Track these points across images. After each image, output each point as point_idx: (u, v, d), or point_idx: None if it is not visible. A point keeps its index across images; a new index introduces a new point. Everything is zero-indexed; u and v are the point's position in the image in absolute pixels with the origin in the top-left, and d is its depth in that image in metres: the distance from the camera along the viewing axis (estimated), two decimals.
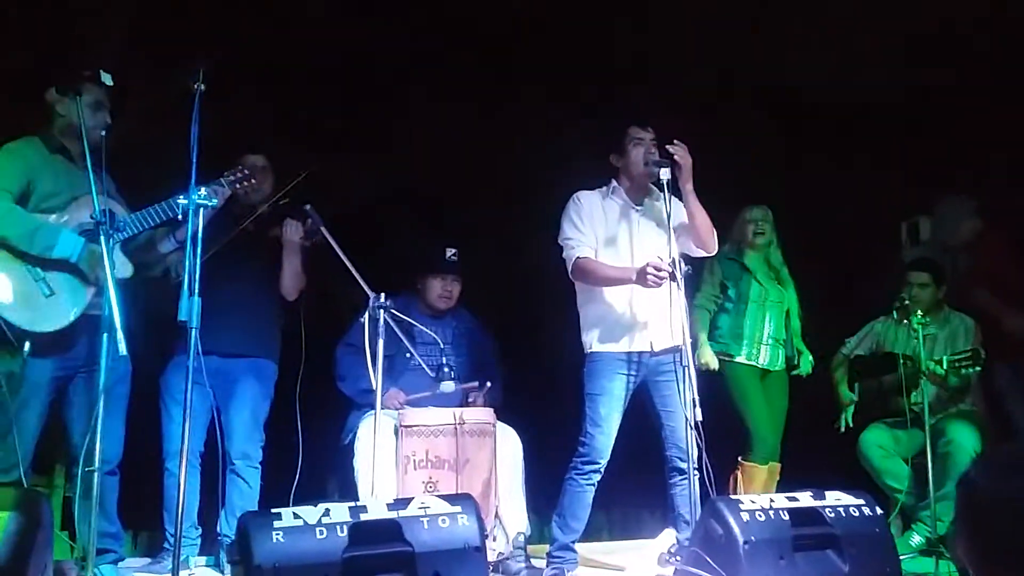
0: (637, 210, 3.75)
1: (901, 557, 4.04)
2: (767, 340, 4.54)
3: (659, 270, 3.39)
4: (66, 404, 3.32)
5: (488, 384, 4.20)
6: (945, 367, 4.32)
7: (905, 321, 4.45)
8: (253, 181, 3.56)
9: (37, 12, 4.09)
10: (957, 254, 4.96)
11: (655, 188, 3.68)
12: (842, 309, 4.99)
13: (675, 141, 3.56)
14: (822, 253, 4.97)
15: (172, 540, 3.62)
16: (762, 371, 4.53)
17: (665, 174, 3.50)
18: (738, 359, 4.47)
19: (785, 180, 4.91)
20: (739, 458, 4.39)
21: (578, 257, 3.64)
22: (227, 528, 3.74)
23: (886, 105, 4.90)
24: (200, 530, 3.87)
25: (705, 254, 3.77)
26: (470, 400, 4.23)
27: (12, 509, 2.09)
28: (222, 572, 3.72)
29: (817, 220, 4.96)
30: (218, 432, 3.37)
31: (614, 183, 3.80)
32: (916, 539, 4.32)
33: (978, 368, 4.30)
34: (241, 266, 3.81)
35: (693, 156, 3.56)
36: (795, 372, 4.69)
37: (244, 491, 3.76)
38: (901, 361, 4.56)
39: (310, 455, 4.00)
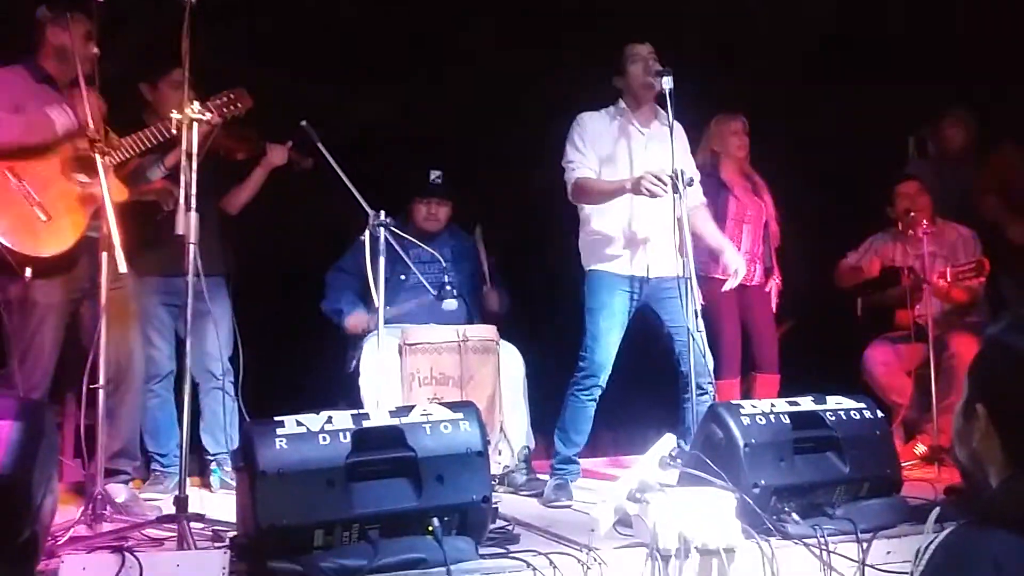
0: (644, 132, 3.72)
1: (904, 464, 4.12)
2: (743, 256, 4.32)
3: (657, 179, 3.36)
4: (80, 328, 3.33)
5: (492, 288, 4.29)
6: (949, 279, 4.31)
7: (910, 232, 4.42)
8: (239, 105, 3.52)
9: None
10: (961, 165, 4.92)
11: (662, 110, 3.66)
12: (843, 224, 4.96)
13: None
14: (823, 167, 4.90)
15: (161, 462, 3.75)
16: (740, 286, 4.25)
17: (667, 83, 3.47)
18: (712, 273, 4.26)
19: (786, 92, 4.81)
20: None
21: (577, 178, 3.64)
22: (214, 446, 3.83)
23: (892, 14, 4.81)
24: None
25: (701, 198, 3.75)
26: (486, 295, 4.29)
27: (14, 419, 2.10)
28: (210, 488, 3.81)
29: (818, 133, 4.89)
30: (188, 351, 3.25)
31: (621, 103, 3.76)
32: (920, 448, 4.36)
33: (982, 279, 4.30)
34: (211, 185, 3.78)
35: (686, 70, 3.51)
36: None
37: (229, 406, 3.78)
38: (906, 273, 4.56)
39: (316, 386, 4.05)
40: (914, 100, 4.99)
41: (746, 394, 4.43)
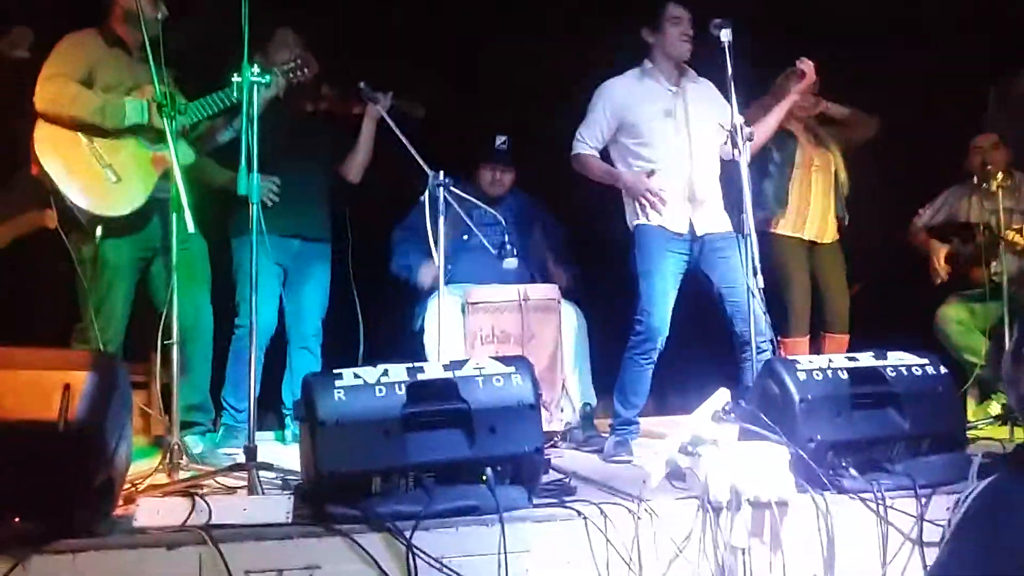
0: (672, 91, 3.73)
1: (978, 423, 4.04)
2: (815, 210, 4.35)
3: (655, 196, 3.53)
4: (151, 287, 3.47)
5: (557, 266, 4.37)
6: None
7: (984, 185, 4.28)
8: (307, 70, 3.60)
9: None
10: None
11: (689, 68, 3.74)
12: (919, 178, 4.81)
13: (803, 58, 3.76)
14: (899, 119, 4.75)
15: (234, 415, 3.86)
16: (809, 243, 4.36)
17: (726, 35, 3.45)
18: (780, 230, 4.30)
19: (857, 44, 4.66)
20: (778, 336, 4.21)
21: (578, 152, 3.76)
22: (292, 401, 3.91)
23: None
24: None
25: (727, 158, 3.68)
26: (551, 274, 4.35)
27: (88, 370, 2.22)
28: (286, 444, 3.93)
29: (894, 84, 4.73)
30: (284, 310, 3.38)
31: (648, 63, 3.76)
32: (994, 407, 4.25)
33: None
34: (310, 150, 3.94)
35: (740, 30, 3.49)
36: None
37: (313, 364, 3.93)
38: (980, 229, 4.42)
39: (379, 345, 4.14)
40: (996, 50, 4.80)
41: (816, 354, 4.37)
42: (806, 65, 3.77)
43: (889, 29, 4.87)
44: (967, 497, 1.35)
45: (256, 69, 2.94)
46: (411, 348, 4.09)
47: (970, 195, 4.56)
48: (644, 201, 3.59)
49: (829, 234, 4.43)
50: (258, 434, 3.57)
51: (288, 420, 4.04)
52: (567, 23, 4.75)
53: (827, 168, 4.42)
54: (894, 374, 2.87)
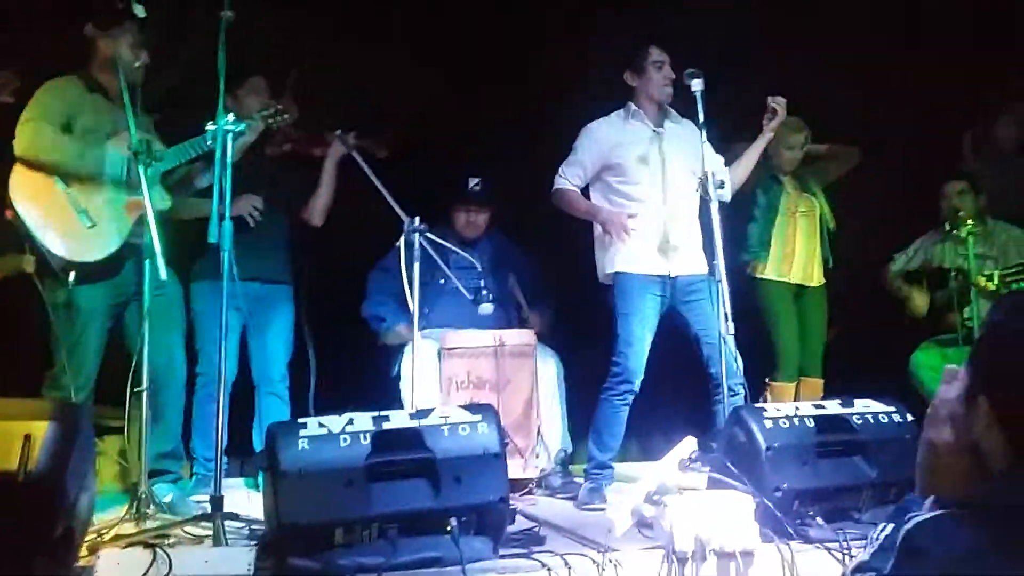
0: (658, 131, 3.81)
1: None
2: (800, 254, 4.42)
3: (623, 229, 3.62)
4: (125, 332, 3.47)
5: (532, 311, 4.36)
6: (996, 281, 4.20)
7: (955, 232, 4.33)
8: (286, 116, 3.64)
9: None
10: (1017, 163, 4.79)
11: (671, 109, 3.82)
12: (892, 225, 4.85)
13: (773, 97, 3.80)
14: (872, 166, 4.81)
15: (204, 463, 3.79)
16: (796, 287, 4.42)
17: (697, 86, 3.53)
18: (766, 275, 4.37)
19: (828, 89, 4.73)
20: (766, 379, 4.33)
21: (559, 187, 3.85)
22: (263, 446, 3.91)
23: (948, 10, 4.69)
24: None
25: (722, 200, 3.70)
26: (525, 319, 4.34)
27: (49, 419, 2.22)
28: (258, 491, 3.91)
29: (866, 131, 4.79)
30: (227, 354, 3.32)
31: (632, 105, 3.83)
32: None
33: None
34: (273, 192, 3.93)
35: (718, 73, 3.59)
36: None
37: (281, 409, 3.92)
38: (952, 275, 4.46)
39: (361, 386, 4.14)
40: (971, 95, 4.86)
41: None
42: (777, 102, 3.83)
43: (872, 73, 4.94)
44: (882, 531, 1.32)
45: (231, 117, 2.98)
46: (389, 392, 4.08)
47: (943, 241, 4.60)
48: (613, 232, 3.63)
49: (816, 278, 4.49)
50: (230, 481, 3.60)
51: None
52: (548, 65, 4.75)
53: (812, 213, 4.50)
54: (860, 422, 2.90)
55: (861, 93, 4.78)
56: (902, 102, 4.81)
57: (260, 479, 3.92)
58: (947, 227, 4.46)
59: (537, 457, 3.98)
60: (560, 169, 3.86)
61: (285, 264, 4.07)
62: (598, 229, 3.83)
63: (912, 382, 4.49)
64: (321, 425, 2.49)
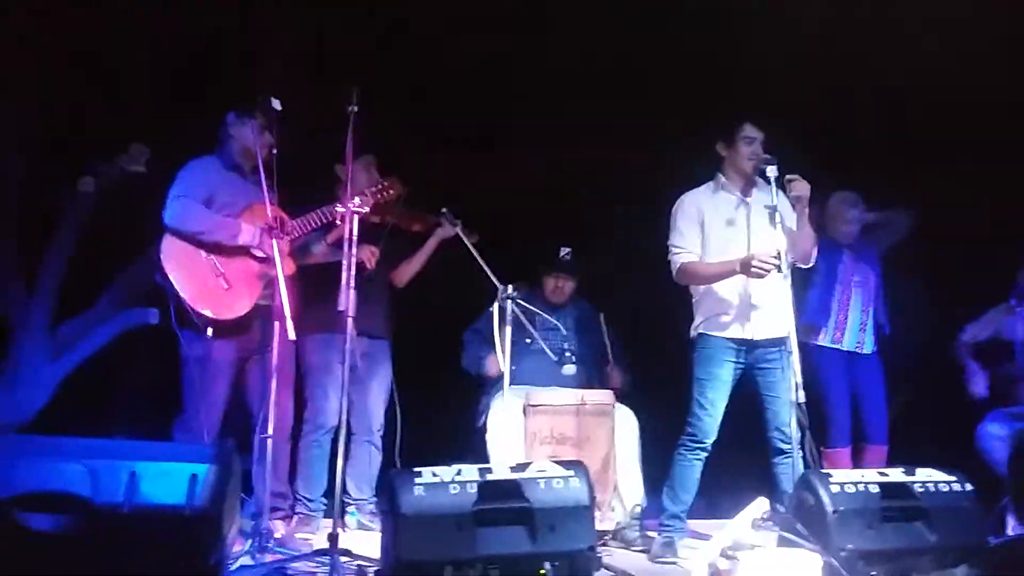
0: (747, 202, 3.97)
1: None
2: (853, 322, 4.60)
3: (765, 261, 3.63)
4: (244, 383, 3.88)
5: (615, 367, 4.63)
6: None
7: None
8: (392, 192, 4.05)
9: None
10: None
11: (760, 179, 3.90)
12: (964, 299, 5.00)
13: (792, 175, 3.78)
14: (943, 240, 4.97)
15: (308, 506, 4.13)
16: (849, 354, 4.59)
17: (772, 171, 3.74)
18: (820, 341, 4.54)
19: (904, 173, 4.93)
20: (819, 447, 4.34)
21: (682, 263, 3.91)
22: (357, 492, 4.27)
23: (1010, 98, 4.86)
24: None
25: (803, 266, 3.95)
26: (607, 374, 4.60)
27: (210, 461, 2.60)
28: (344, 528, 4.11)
29: (948, 197, 4.89)
30: (347, 405, 3.63)
31: (721, 177, 4.02)
32: None
33: None
34: (384, 256, 4.33)
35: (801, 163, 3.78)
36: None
37: (376, 458, 4.29)
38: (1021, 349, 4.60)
39: (449, 437, 4.46)
40: None
41: (856, 465, 4.53)
42: (795, 184, 3.80)
43: (939, 148, 5.11)
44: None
45: (356, 200, 3.39)
46: (474, 444, 4.40)
47: (1015, 311, 4.74)
48: (757, 267, 3.65)
49: (867, 345, 4.66)
50: (323, 522, 3.92)
51: (352, 510, 4.32)
52: (635, 132, 5.01)
53: (867, 282, 4.70)
54: (922, 489, 3.11)
55: (931, 165, 4.96)
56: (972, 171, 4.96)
57: (352, 517, 4.31)
58: (1012, 303, 4.63)
59: (613, 511, 4.23)
60: (671, 246, 3.95)
61: (386, 321, 4.47)
62: (697, 292, 3.98)
63: (980, 452, 4.62)
64: (434, 474, 2.83)
